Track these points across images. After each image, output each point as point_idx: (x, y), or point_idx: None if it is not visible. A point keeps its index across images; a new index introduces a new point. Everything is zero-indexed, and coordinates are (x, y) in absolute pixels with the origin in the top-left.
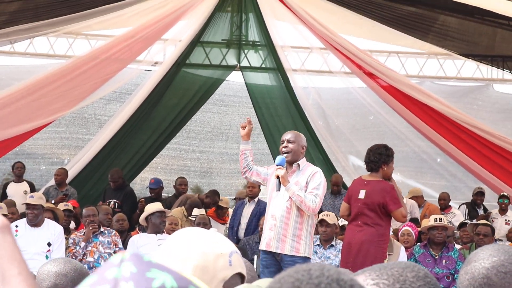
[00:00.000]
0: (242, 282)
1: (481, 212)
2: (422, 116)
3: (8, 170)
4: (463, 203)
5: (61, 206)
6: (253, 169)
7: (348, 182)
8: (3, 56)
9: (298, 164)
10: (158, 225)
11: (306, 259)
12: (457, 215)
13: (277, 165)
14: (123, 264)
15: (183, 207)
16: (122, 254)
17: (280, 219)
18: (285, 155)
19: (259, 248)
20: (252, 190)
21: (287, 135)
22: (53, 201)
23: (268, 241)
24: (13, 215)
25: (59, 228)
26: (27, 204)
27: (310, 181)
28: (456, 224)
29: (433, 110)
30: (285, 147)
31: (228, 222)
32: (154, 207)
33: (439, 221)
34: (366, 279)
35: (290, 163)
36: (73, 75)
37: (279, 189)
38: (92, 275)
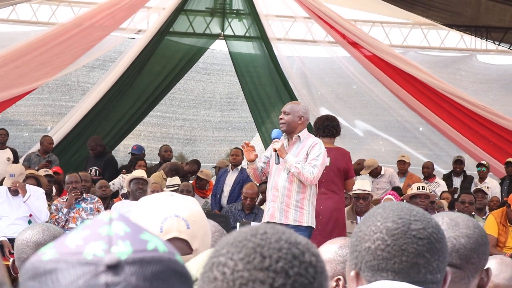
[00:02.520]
0: (188, 245)
1: (459, 180)
2: (405, 85)
3: None
4: (444, 174)
5: (41, 172)
6: (263, 169)
7: None
8: None
9: (298, 136)
10: (134, 192)
11: (309, 228)
12: (441, 185)
13: (272, 139)
14: (113, 222)
15: (161, 171)
16: (110, 213)
17: (282, 190)
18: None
19: (262, 221)
20: (236, 158)
21: (285, 107)
22: (36, 168)
23: (272, 212)
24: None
25: (41, 190)
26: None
27: (310, 152)
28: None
29: (416, 80)
30: (281, 119)
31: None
32: (134, 174)
33: (421, 189)
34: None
35: (289, 134)
36: (56, 42)
37: (278, 162)
38: (83, 229)
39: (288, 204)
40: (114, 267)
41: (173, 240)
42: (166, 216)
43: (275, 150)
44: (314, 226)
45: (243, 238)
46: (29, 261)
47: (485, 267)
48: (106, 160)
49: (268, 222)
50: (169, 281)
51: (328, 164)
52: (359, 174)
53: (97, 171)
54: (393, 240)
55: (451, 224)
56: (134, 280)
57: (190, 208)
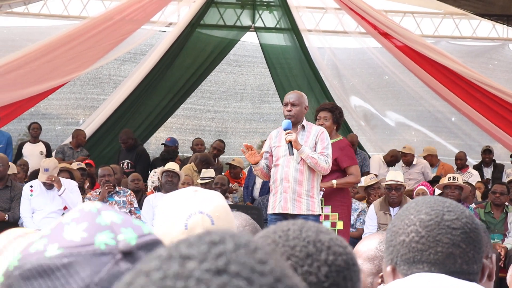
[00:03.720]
0: None
1: (490, 170)
2: (437, 75)
3: (24, 130)
4: (474, 165)
5: (74, 165)
6: (268, 166)
7: (363, 142)
8: (17, 17)
9: (303, 125)
10: (164, 184)
11: (319, 217)
12: (474, 175)
13: (284, 130)
14: (102, 212)
15: (192, 163)
16: (92, 205)
17: (293, 180)
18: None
19: (271, 212)
20: None
21: (291, 98)
22: (74, 160)
23: (284, 204)
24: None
25: (73, 183)
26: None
27: (318, 141)
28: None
29: (448, 70)
30: (289, 110)
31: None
32: (166, 166)
33: (453, 179)
34: None
35: (294, 124)
36: (87, 36)
37: (292, 153)
38: (76, 222)
39: (300, 195)
40: (129, 253)
41: None
42: (190, 213)
43: (289, 142)
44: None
45: (267, 233)
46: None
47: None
48: (137, 153)
49: (281, 214)
50: None
51: None
52: (393, 165)
53: (129, 164)
54: (427, 232)
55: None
56: None
57: (215, 203)
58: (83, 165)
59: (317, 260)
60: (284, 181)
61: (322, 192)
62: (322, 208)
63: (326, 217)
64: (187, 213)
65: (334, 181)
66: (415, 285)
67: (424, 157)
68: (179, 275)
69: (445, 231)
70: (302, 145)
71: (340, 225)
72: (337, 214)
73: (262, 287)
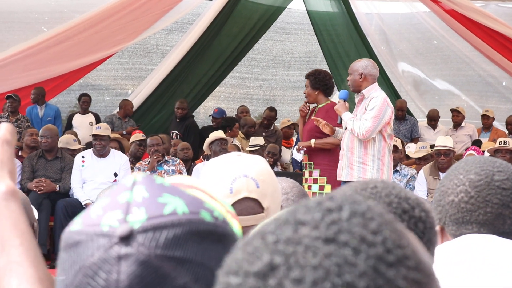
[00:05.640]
0: (259, 204)
1: None
2: (487, 39)
3: (74, 102)
4: None
5: (138, 136)
6: None
7: (412, 107)
8: None
9: (363, 93)
10: (217, 153)
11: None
12: None
13: (339, 99)
14: (135, 187)
15: (239, 131)
16: (135, 176)
17: (346, 148)
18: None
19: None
20: None
21: (349, 67)
22: (124, 132)
23: (339, 171)
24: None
25: (125, 158)
26: (94, 135)
27: (367, 107)
28: None
29: (498, 34)
30: (348, 80)
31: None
32: (215, 135)
33: (504, 143)
34: None
35: (358, 93)
36: (134, 6)
37: (340, 122)
38: (105, 197)
39: (352, 161)
40: (127, 238)
41: (244, 200)
42: (235, 176)
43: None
44: None
45: (354, 192)
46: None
47: None
48: (187, 125)
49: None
50: (187, 245)
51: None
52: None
53: (178, 135)
54: (476, 192)
55: None
56: (145, 250)
57: (259, 167)
58: (142, 137)
59: (413, 216)
60: (341, 149)
61: (302, 152)
62: (311, 171)
63: (315, 181)
64: (232, 176)
65: (313, 141)
66: (465, 246)
67: (482, 116)
68: (290, 240)
69: (495, 191)
70: (345, 112)
71: (328, 188)
72: (325, 177)
73: (369, 258)
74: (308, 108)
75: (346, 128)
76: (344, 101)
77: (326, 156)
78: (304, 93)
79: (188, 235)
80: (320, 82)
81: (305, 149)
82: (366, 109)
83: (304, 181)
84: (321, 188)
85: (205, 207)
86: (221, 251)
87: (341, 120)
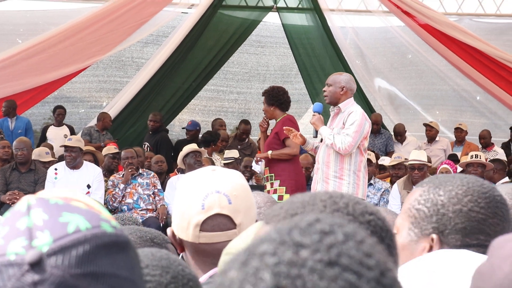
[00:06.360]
0: (231, 220)
1: None
2: (461, 54)
3: (48, 114)
4: (503, 143)
5: (111, 149)
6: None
7: (387, 121)
8: (40, 0)
9: (339, 107)
10: (192, 165)
11: None
12: (500, 154)
13: (313, 112)
14: (32, 211)
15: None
16: (27, 199)
17: (322, 161)
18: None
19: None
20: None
21: (328, 78)
22: (102, 144)
23: (313, 184)
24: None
25: (98, 170)
26: (65, 146)
27: (345, 122)
28: None
29: (472, 48)
30: (324, 91)
31: None
32: (189, 147)
33: (475, 157)
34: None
35: (334, 106)
36: (110, 19)
37: (315, 135)
38: (3, 225)
39: (327, 175)
40: (37, 263)
41: (216, 216)
42: (207, 192)
43: (313, 124)
44: (359, 196)
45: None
46: None
47: None
48: (157, 139)
49: None
50: (97, 259)
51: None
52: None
53: (148, 148)
54: (486, 203)
55: None
56: (59, 271)
57: (232, 182)
58: (115, 149)
59: (375, 225)
60: (316, 163)
61: (260, 163)
62: (273, 183)
63: (275, 191)
64: (204, 192)
65: (270, 152)
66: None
67: (455, 130)
68: (293, 262)
69: (500, 205)
70: (322, 126)
71: (286, 198)
72: (284, 187)
73: (369, 281)
74: (267, 123)
75: (321, 141)
76: (319, 114)
77: (286, 166)
78: (263, 110)
79: (96, 249)
80: (274, 98)
81: (263, 160)
82: (345, 124)
83: (266, 193)
84: (280, 198)
85: (103, 218)
86: (126, 259)
87: (316, 133)
